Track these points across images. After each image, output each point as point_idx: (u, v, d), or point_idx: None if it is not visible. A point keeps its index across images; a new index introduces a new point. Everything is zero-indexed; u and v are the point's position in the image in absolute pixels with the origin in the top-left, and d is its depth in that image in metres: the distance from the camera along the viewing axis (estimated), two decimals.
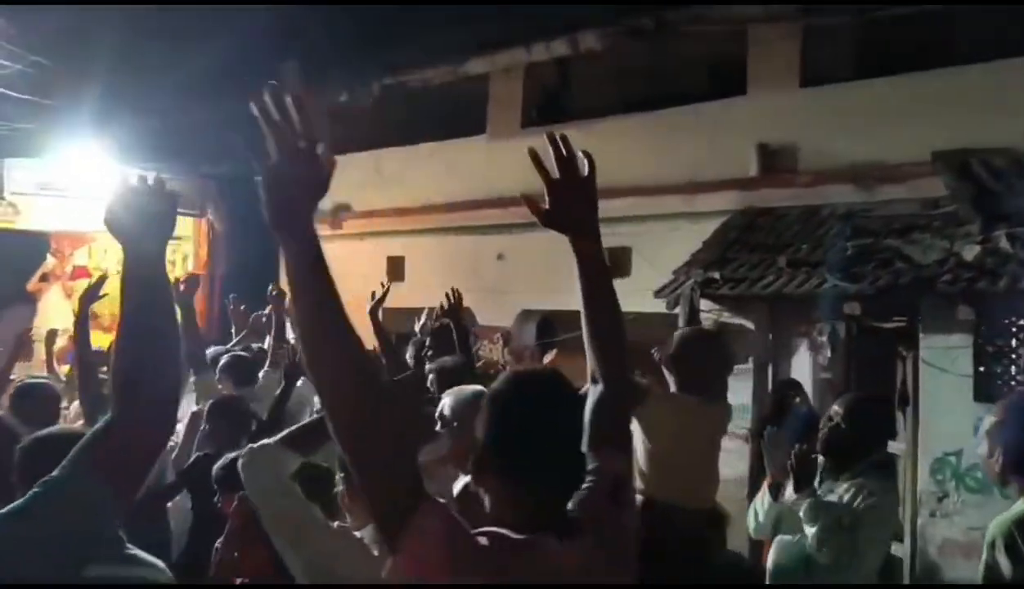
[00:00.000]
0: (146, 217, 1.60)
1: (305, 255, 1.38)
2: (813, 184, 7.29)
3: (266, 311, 5.87)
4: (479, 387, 2.85)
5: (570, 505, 1.58)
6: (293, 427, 2.62)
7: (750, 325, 6.72)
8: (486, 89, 9.92)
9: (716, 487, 3.58)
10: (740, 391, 6.04)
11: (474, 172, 9.57)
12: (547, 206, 1.72)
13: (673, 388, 3.52)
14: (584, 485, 1.61)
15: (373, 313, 4.76)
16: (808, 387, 5.78)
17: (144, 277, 1.60)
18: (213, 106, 10.53)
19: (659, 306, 6.88)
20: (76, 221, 9.02)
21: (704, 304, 6.64)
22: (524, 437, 1.53)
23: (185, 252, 9.77)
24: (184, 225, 9.04)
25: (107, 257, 10.42)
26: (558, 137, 1.73)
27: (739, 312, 6.77)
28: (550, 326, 9.02)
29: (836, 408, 3.34)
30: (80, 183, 8.55)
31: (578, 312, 1.82)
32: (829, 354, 6.15)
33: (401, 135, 10.34)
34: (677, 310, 6.56)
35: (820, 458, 3.36)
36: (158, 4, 9.86)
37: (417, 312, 9.73)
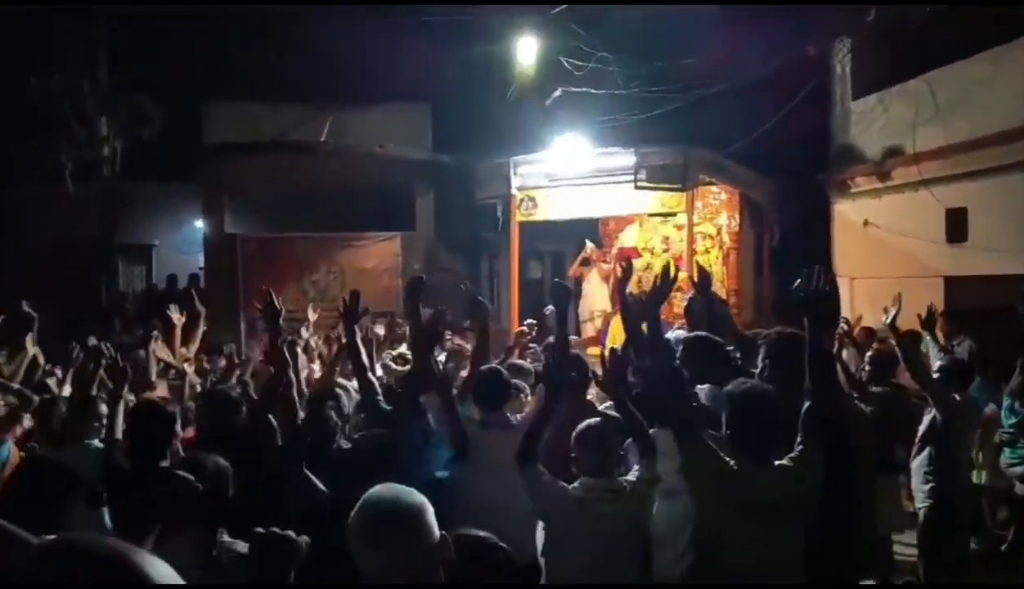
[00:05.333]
0: None
1: None
2: None
3: None
4: None
5: None
6: None
7: None
8: None
9: None
10: None
11: None
12: None
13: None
14: None
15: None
16: None
17: None
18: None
19: None
20: (584, 208, 9.38)
21: None
22: None
23: (679, 222, 9.30)
24: (676, 200, 8.53)
25: (654, 237, 10.61)
26: None
27: None
28: None
29: None
30: (580, 171, 8.81)
31: None
32: None
33: (953, 50, 8.02)
34: None
35: None
36: None
37: (985, 281, 7.57)
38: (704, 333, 3.86)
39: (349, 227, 12.77)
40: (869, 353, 5.31)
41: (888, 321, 4.76)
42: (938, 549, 4.58)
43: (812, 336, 2.96)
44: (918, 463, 4.76)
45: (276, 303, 3.92)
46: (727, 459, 2.81)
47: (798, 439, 2.85)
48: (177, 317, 6.71)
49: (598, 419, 3.24)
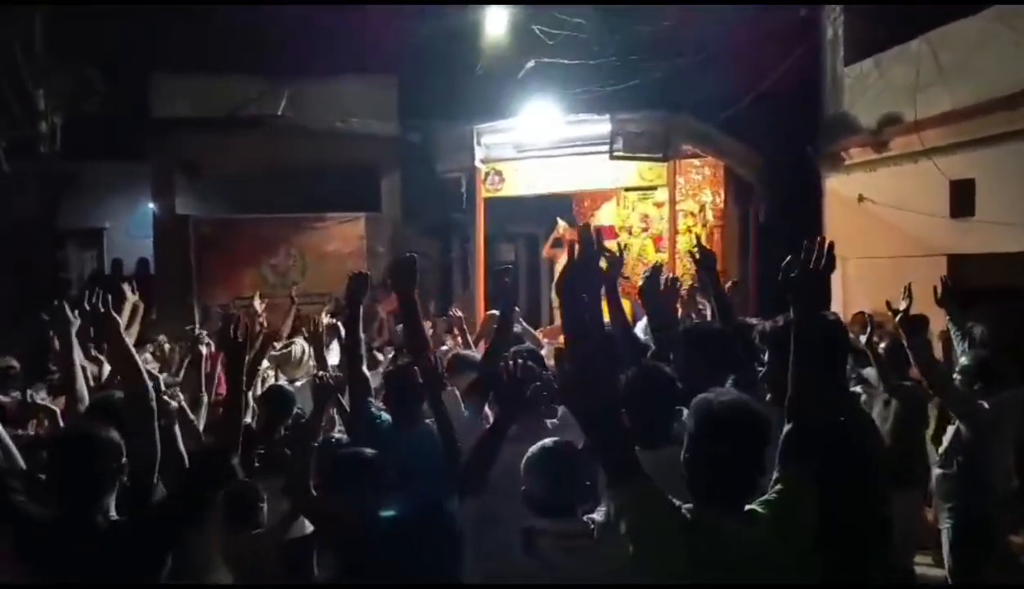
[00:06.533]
0: None
1: None
2: None
3: None
4: None
5: None
6: None
7: None
8: None
9: None
10: None
11: None
12: None
13: None
14: None
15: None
16: None
17: None
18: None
19: None
20: (555, 182, 8.64)
21: None
22: None
23: (658, 199, 8.61)
24: (655, 172, 7.83)
25: (632, 215, 9.92)
26: None
27: None
28: None
29: None
30: (550, 141, 8.06)
31: None
32: None
33: (958, 6, 7.36)
34: None
35: None
36: None
37: (994, 259, 7.09)
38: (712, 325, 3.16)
39: (310, 208, 12.06)
40: (884, 344, 4.63)
41: (898, 318, 4.07)
42: (968, 573, 3.91)
43: (799, 327, 2.16)
44: (942, 476, 4.09)
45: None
46: (678, 505, 1.97)
47: (775, 473, 2.05)
48: (130, 294, 5.93)
49: (553, 439, 2.50)
